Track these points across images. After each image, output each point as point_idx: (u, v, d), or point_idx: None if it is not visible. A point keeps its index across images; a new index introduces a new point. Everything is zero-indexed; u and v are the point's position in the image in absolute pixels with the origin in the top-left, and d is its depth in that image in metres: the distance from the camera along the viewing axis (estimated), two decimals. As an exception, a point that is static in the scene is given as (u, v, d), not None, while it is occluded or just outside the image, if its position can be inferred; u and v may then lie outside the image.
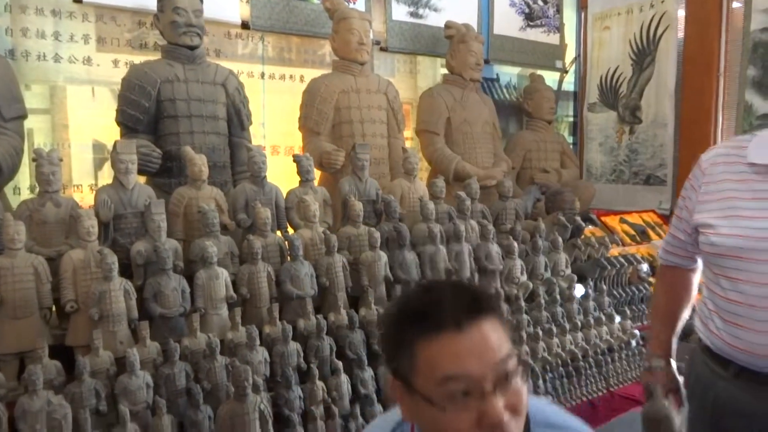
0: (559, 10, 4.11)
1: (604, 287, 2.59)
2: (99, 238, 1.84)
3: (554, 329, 2.24)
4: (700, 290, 1.60)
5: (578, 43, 4.28)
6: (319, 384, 1.73)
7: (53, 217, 1.84)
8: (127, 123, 2.33)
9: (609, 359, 2.29)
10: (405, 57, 3.54)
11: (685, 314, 1.64)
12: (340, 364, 1.79)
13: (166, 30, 2.36)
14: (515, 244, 2.47)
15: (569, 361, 2.18)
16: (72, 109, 2.56)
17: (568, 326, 2.28)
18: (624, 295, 2.72)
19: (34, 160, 1.84)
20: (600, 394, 2.20)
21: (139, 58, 2.56)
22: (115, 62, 2.64)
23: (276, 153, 3.07)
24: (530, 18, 3.95)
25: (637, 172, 3.83)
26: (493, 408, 0.81)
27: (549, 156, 3.63)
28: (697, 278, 1.61)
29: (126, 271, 1.83)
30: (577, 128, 4.30)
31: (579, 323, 2.33)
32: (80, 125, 2.58)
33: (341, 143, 2.70)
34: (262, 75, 3.04)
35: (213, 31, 2.81)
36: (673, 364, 1.64)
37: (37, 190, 1.89)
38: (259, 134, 2.94)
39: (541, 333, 2.20)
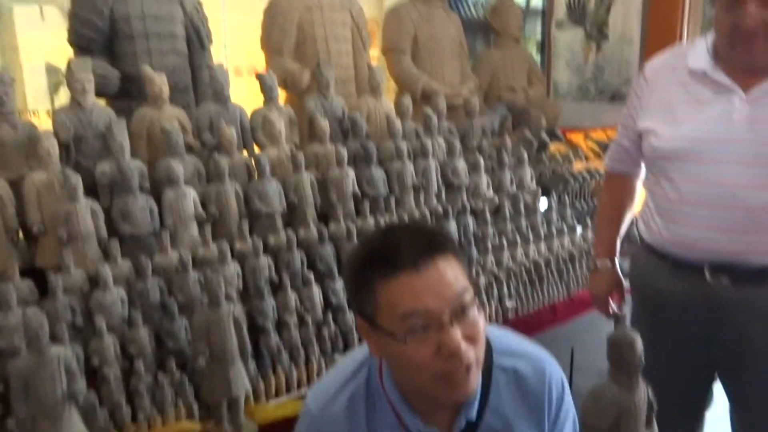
0: None
1: (567, 200, 2.67)
2: (61, 160, 1.81)
3: (519, 240, 2.33)
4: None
5: (546, -42, 4.17)
6: (292, 294, 1.79)
7: (10, 140, 1.80)
8: (80, 43, 2.24)
9: (570, 267, 2.40)
10: (369, -27, 3.42)
11: (628, 218, 1.74)
12: (311, 275, 1.85)
13: (114, -58, 2.23)
14: (481, 159, 2.51)
15: (533, 269, 2.28)
16: (21, 31, 2.45)
17: (531, 237, 2.37)
18: (586, 207, 2.81)
19: (-16, 81, 1.77)
20: (561, 298, 2.32)
21: (87, -26, 2.42)
22: (63, -21, 2.51)
23: (239, 74, 3.00)
24: (497, -70, 3.82)
25: (602, 89, 3.86)
26: (451, 338, 0.88)
27: (516, 74, 3.62)
28: (639, 184, 1.69)
29: (91, 194, 1.82)
30: (544, 46, 4.27)
31: (542, 234, 2.42)
32: (30, 48, 2.47)
33: (305, 62, 2.65)
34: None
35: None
36: (617, 264, 1.74)
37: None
38: (220, 56, 2.86)
39: (506, 244, 2.29)
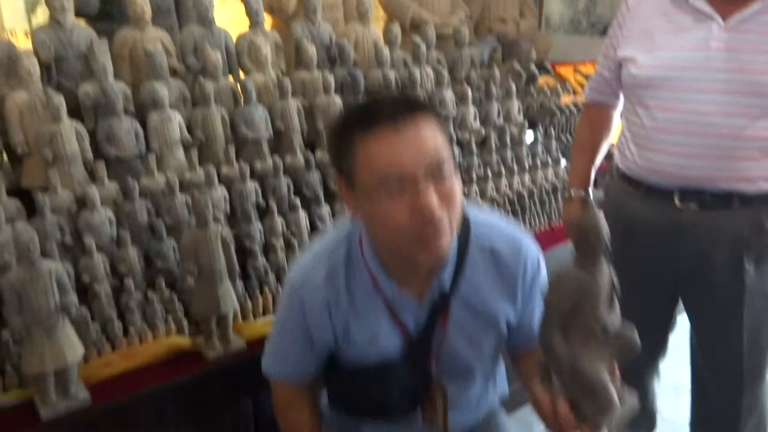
0: None
1: (554, 133, 2.69)
2: (42, 81, 1.78)
3: (503, 171, 2.36)
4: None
5: None
6: (278, 219, 1.82)
7: (-11, 59, 1.76)
8: (58, -40, 2.15)
9: (552, 199, 2.45)
10: None
11: (604, 149, 1.77)
12: (297, 200, 1.87)
13: None
14: (469, 90, 2.50)
15: (516, 200, 2.33)
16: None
17: (516, 168, 2.40)
18: (571, 140, 2.82)
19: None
20: (542, 229, 2.38)
21: None
22: None
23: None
24: None
25: (594, 22, 3.80)
26: (424, 196, 0.90)
27: (508, 5, 3.54)
28: (617, 115, 1.72)
29: (74, 115, 1.80)
30: (537, -23, 4.16)
31: (527, 166, 2.45)
32: (5, -36, 2.38)
33: (292, -14, 2.57)
34: None
35: None
36: (591, 194, 1.79)
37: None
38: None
39: (491, 175, 2.32)
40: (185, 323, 1.61)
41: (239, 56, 2.17)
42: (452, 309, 1.08)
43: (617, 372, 0.93)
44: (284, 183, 1.90)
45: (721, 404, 1.60)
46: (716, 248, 1.45)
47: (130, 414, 1.42)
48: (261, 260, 1.76)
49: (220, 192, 1.76)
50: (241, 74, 2.20)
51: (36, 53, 1.78)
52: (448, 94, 2.45)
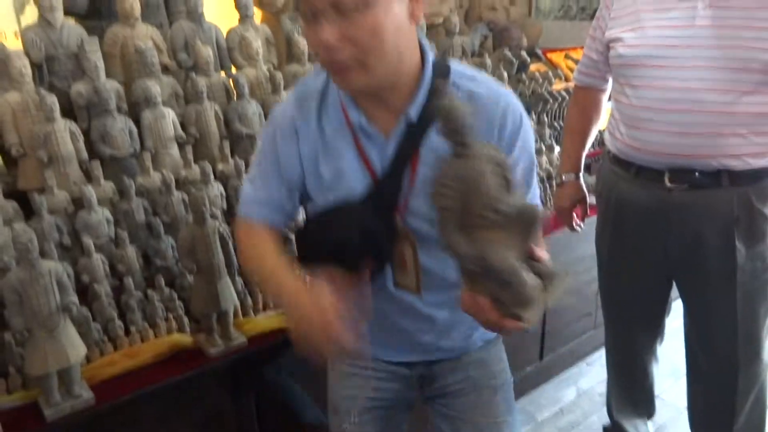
0: None
1: (546, 120, 2.69)
2: (34, 81, 1.77)
3: (497, 159, 2.36)
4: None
5: None
6: (275, 214, 1.82)
7: (-20, 60, 1.75)
8: (45, -41, 2.13)
9: (548, 185, 2.46)
10: None
11: (594, 132, 1.78)
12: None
13: None
14: (461, 79, 2.50)
15: (510, 187, 2.33)
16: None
17: (510, 156, 2.40)
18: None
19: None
20: (538, 216, 2.38)
21: None
22: None
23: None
24: None
25: (584, 7, 3.80)
26: (321, 32, 0.89)
27: (498, -8, 3.54)
28: (605, 99, 1.73)
29: (67, 115, 1.80)
30: (527, -37, 4.15)
31: (521, 153, 2.46)
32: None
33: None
34: None
35: None
36: (581, 178, 1.80)
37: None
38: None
39: (485, 163, 2.32)
40: (186, 321, 1.61)
41: (230, 51, 2.16)
42: (422, 155, 1.02)
43: (538, 251, 0.86)
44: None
45: (716, 387, 1.62)
46: (707, 228, 1.47)
47: (134, 412, 1.43)
48: (259, 255, 1.77)
49: (216, 188, 1.77)
50: (233, 69, 2.20)
51: (27, 53, 1.77)
52: (441, 84, 2.46)
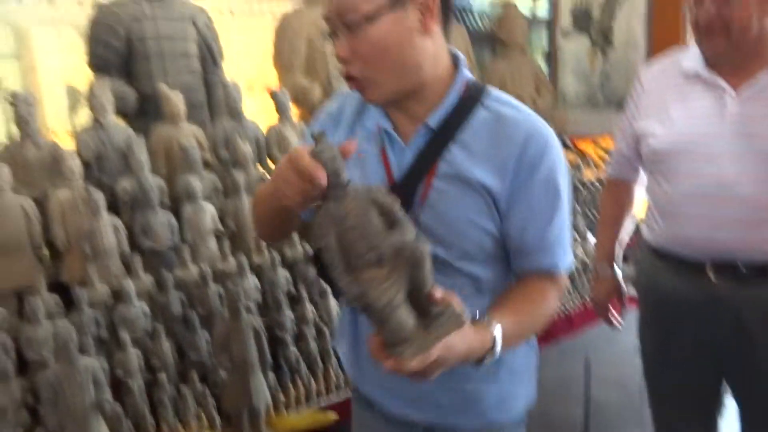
0: (531, -65, 4.03)
1: (578, 209, 2.69)
2: (83, 178, 1.86)
3: (530, 249, 2.35)
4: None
5: (551, -31, 4.22)
6: (309, 306, 1.82)
7: (35, 159, 1.85)
8: (98, 65, 2.30)
9: (583, 276, 2.41)
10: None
11: (628, 223, 1.77)
12: (327, 287, 1.88)
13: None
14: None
15: (545, 278, 2.30)
16: (39, 52, 2.52)
17: (543, 245, 2.38)
18: (598, 216, 2.82)
19: (11, 103, 1.83)
20: (575, 308, 2.33)
21: (103, -2, 2.50)
22: (80, 2, 2.58)
23: (251, 90, 3.06)
24: (502, -57, 3.88)
25: (609, 96, 3.88)
26: (336, 46, 0.98)
27: (524, 84, 3.66)
28: (638, 190, 1.73)
29: (112, 210, 1.87)
30: (551, 55, 4.30)
31: (554, 242, 2.44)
32: (48, 69, 2.54)
33: (315, 78, 2.70)
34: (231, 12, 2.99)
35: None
36: (617, 269, 1.77)
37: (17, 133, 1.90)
38: (231, 73, 2.91)
39: (518, 252, 2.30)
40: (217, 418, 1.58)
41: (269, 147, 2.25)
42: (439, 168, 1.02)
43: (438, 292, 0.86)
44: (313, 270, 1.91)
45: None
46: (756, 323, 1.41)
47: None
48: (292, 349, 1.75)
49: (251, 281, 1.78)
50: (271, 164, 2.28)
51: (78, 153, 1.87)
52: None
